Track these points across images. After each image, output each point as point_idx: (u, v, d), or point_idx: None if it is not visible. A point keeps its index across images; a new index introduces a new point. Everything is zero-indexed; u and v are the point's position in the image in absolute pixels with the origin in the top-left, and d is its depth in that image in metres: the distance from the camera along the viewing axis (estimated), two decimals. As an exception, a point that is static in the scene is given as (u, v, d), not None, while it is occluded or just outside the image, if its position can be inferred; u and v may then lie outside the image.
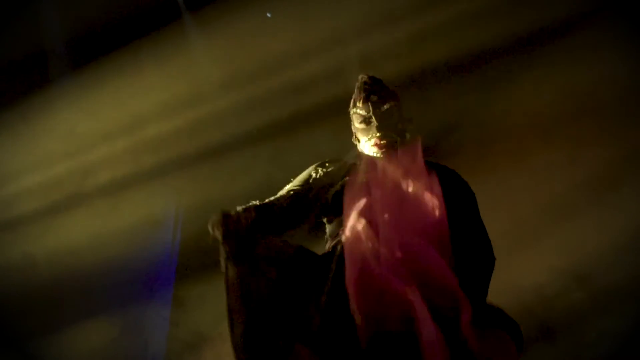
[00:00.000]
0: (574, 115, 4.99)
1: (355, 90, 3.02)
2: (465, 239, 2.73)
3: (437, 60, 5.26)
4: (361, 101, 2.95)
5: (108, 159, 5.68)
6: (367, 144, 2.95)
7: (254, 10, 5.62)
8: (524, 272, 4.73)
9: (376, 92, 2.94)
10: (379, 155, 2.91)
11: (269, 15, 5.76)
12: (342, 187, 2.82)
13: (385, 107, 2.93)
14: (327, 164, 3.06)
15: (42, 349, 5.46)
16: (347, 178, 2.88)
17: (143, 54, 5.62)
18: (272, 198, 2.96)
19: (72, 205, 5.63)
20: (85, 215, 5.64)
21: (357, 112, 2.96)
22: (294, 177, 3.10)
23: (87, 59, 5.64)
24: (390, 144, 2.91)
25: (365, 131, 2.94)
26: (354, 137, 3.04)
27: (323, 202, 2.92)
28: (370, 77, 3.01)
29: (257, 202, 2.87)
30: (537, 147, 5.02)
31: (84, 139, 5.67)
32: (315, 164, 3.08)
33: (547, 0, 5.17)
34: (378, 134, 2.91)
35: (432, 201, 2.58)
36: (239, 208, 2.75)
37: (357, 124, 2.98)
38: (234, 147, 5.76)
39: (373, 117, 2.90)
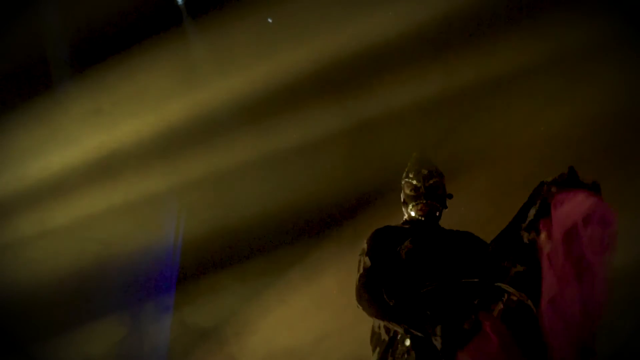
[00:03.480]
0: (573, 135, 5.05)
1: (409, 164, 3.57)
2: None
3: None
4: (414, 173, 3.52)
5: (110, 161, 5.72)
6: (414, 209, 3.48)
7: (254, 16, 5.67)
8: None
9: (427, 168, 3.51)
10: (422, 218, 3.47)
11: (269, 20, 5.80)
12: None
13: (432, 181, 3.48)
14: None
15: (44, 351, 5.49)
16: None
17: (145, 59, 5.66)
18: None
19: (74, 208, 5.67)
20: (86, 217, 5.67)
21: (409, 181, 3.52)
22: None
23: (90, 62, 5.70)
24: (433, 210, 3.47)
25: (414, 198, 3.49)
26: (403, 201, 3.57)
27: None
28: (423, 155, 3.60)
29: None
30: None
31: (85, 143, 5.71)
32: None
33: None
34: (424, 201, 3.45)
35: None
36: None
37: (407, 191, 3.52)
38: (235, 151, 5.81)
39: (422, 187, 3.45)
